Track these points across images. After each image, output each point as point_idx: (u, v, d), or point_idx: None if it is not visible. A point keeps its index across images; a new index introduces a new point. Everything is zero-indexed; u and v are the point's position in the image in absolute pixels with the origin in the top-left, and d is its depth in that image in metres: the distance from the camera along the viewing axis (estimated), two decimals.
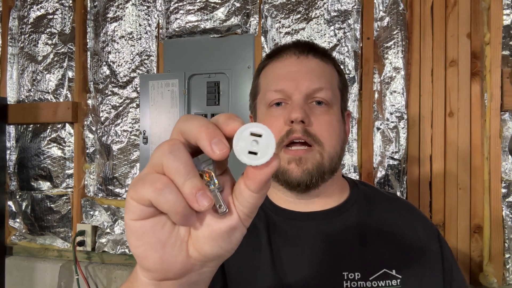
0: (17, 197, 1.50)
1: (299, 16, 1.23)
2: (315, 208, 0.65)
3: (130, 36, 1.39)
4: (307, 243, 0.62)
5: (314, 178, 0.60)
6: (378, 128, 1.17)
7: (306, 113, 0.60)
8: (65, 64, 1.46)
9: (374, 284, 0.59)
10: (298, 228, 0.64)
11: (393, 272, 0.60)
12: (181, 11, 1.34)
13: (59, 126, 1.46)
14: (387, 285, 0.59)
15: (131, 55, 1.39)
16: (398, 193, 1.14)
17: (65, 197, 1.45)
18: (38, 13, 1.50)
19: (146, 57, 1.38)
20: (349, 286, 0.59)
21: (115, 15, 1.41)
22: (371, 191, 0.71)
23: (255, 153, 0.26)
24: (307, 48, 0.66)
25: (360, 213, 0.66)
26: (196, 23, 1.33)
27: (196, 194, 0.26)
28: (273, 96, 0.64)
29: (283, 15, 1.24)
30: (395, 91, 1.16)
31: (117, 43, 1.41)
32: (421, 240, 0.64)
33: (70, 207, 1.44)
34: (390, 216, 0.66)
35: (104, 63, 1.42)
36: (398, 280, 0.60)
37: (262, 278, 0.60)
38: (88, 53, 1.45)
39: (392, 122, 1.16)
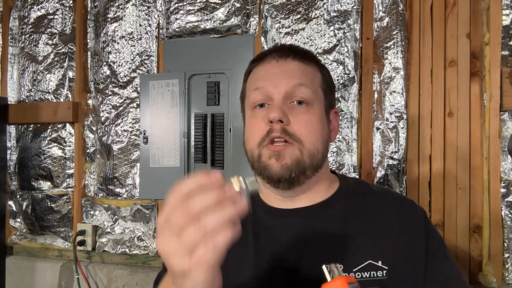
0: (18, 196, 1.50)
1: (299, 16, 1.23)
2: (301, 205, 0.68)
3: (131, 36, 1.40)
4: (291, 239, 0.64)
5: (294, 173, 0.62)
6: (378, 128, 1.17)
7: (284, 112, 0.63)
8: (65, 64, 1.47)
9: (358, 275, 0.60)
10: (284, 225, 0.66)
11: (379, 263, 0.61)
12: (181, 12, 1.34)
13: (59, 126, 1.47)
14: (372, 276, 0.60)
15: (132, 55, 1.39)
16: None
17: (65, 197, 1.45)
18: (39, 13, 1.50)
19: (146, 57, 1.38)
20: None
21: (115, 15, 1.41)
22: (360, 185, 0.73)
23: None
24: (286, 51, 0.69)
25: (348, 206, 0.67)
26: (196, 23, 1.33)
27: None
28: (253, 95, 0.67)
29: (283, 16, 1.25)
30: (394, 91, 1.16)
31: (118, 43, 1.41)
32: (407, 232, 0.65)
33: (70, 207, 1.44)
34: (377, 209, 0.67)
35: (105, 63, 1.42)
36: (384, 271, 0.60)
37: (246, 272, 0.63)
38: (89, 53, 1.45)
39: (391, 122, 1.16)
